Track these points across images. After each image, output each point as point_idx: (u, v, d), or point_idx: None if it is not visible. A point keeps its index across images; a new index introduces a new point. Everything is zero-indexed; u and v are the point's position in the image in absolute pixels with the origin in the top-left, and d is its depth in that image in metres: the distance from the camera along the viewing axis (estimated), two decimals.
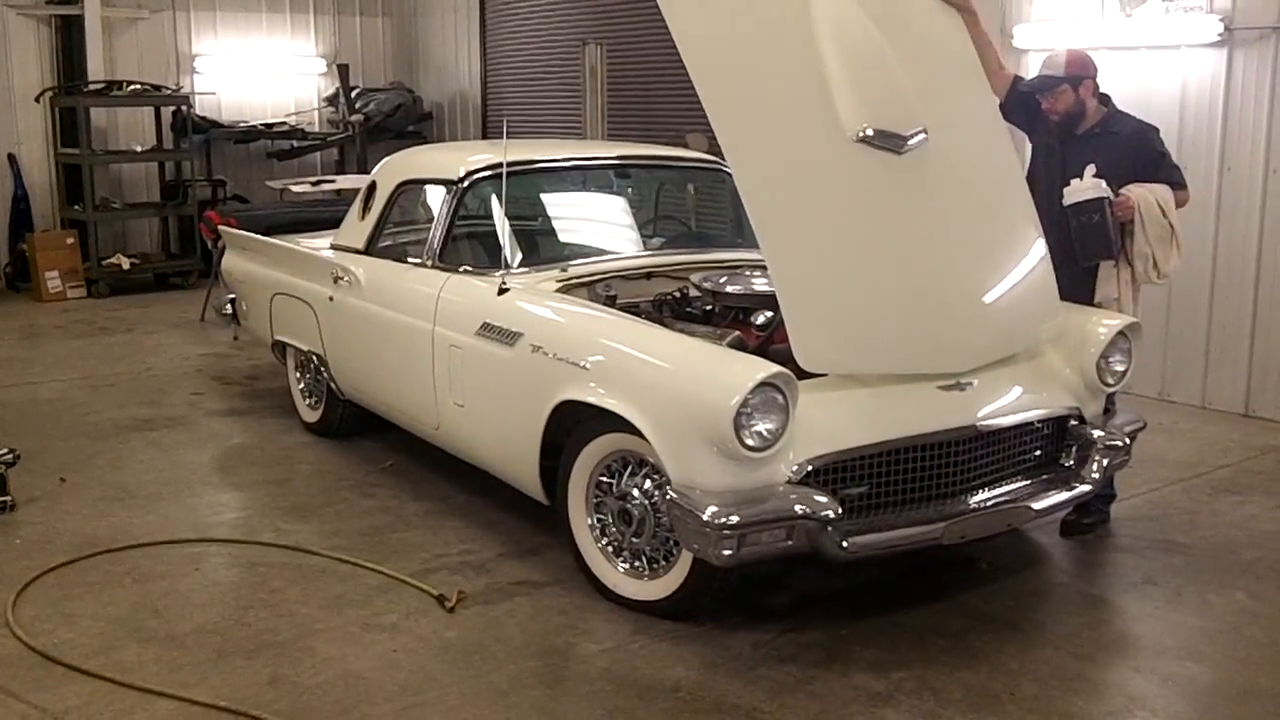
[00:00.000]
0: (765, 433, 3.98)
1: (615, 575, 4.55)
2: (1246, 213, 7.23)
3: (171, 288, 12.00)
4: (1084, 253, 5.27)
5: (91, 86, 11.85)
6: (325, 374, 6.51)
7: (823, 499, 4.02)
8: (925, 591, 4.73)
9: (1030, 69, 8.08)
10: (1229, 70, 7.18)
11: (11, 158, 12.00)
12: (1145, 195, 5.23)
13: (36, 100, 11.94)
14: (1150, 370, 7.46)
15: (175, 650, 4.24)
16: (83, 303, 11.30)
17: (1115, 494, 5.43)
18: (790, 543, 4.03)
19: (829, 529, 4.02)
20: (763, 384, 3.94)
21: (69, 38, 12.22)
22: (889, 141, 4.61)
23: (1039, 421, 4.75)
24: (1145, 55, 7.52)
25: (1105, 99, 5.53)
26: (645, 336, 4.51)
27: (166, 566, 4.98)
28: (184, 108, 12.18)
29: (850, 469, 4.24)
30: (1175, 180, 5.40)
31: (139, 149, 12.20)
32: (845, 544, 4.07)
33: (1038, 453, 4.82)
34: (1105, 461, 4.81)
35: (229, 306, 7.68)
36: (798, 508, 3.98)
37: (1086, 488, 4.76)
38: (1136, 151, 5.36)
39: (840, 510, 4.04)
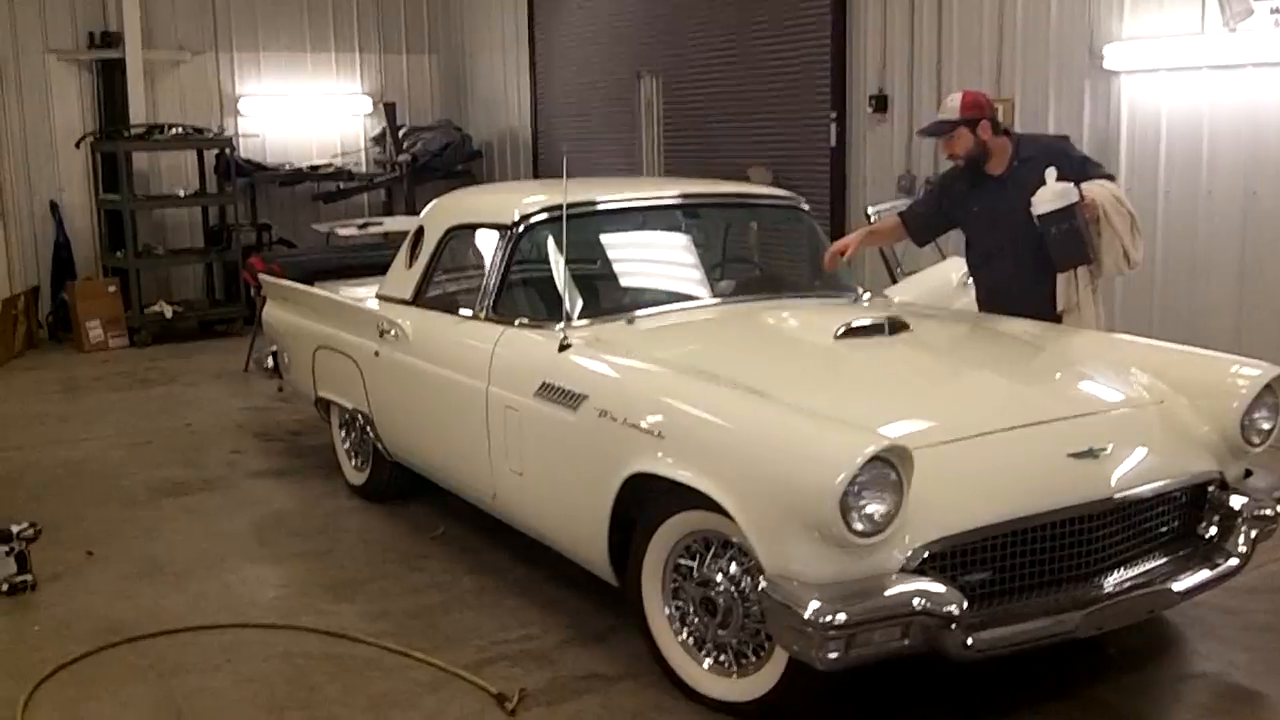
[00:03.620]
0: (877, 516, 3.42)
1: (697, 672, 4.00)
2: None
3: (216, 335, 11.64)
4: (1062, 261, 5.30)
5: (133, 131, 11.54)
6: (371, 434, 6.02)
7: (945, 591, 3.45)
8: (1048, 682, 4.14)
9: (1122, 91, 7.54)
10: None
11: (53, 205, 11.72)
12: (1100, 190, 5.26)
13: (76, 146, 11.64)
14: None
15: None
16: (125, 352, 10.96)
17: None
18: (906, 642, 3.46)
19: (953, 626, 3.45)
20: (873, 459, 3.38)
21: (110, 82, 11.95)
22: (869, 330, 4.64)
23: (1177, 490, 4.15)
24: (1250, 73, 6.90)
25: (1006, 131, 5.56)
26: (729, 399, 3.96)
27: (194, 658, 4.48)
28: (227, 150, 11.87)
29: (971, 552, 3.67)
30: (1106, 175, 5.43)
31: (182, 193, 11.91)
32: (970, 642, 3.49)
33: (1175, 524, 4.22)
34: (1253, 533, 4.20)
35: (270, 360, 7.25)
36: (916, 602, 3.40)
37: (1233, 563, 4.15)
38: (1059, 167, 5.24)
39: (965, 604, 3.47)
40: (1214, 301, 7.26)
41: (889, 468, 3.41)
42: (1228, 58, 6.96)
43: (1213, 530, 4.25)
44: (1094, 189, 5.24)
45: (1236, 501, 4.24)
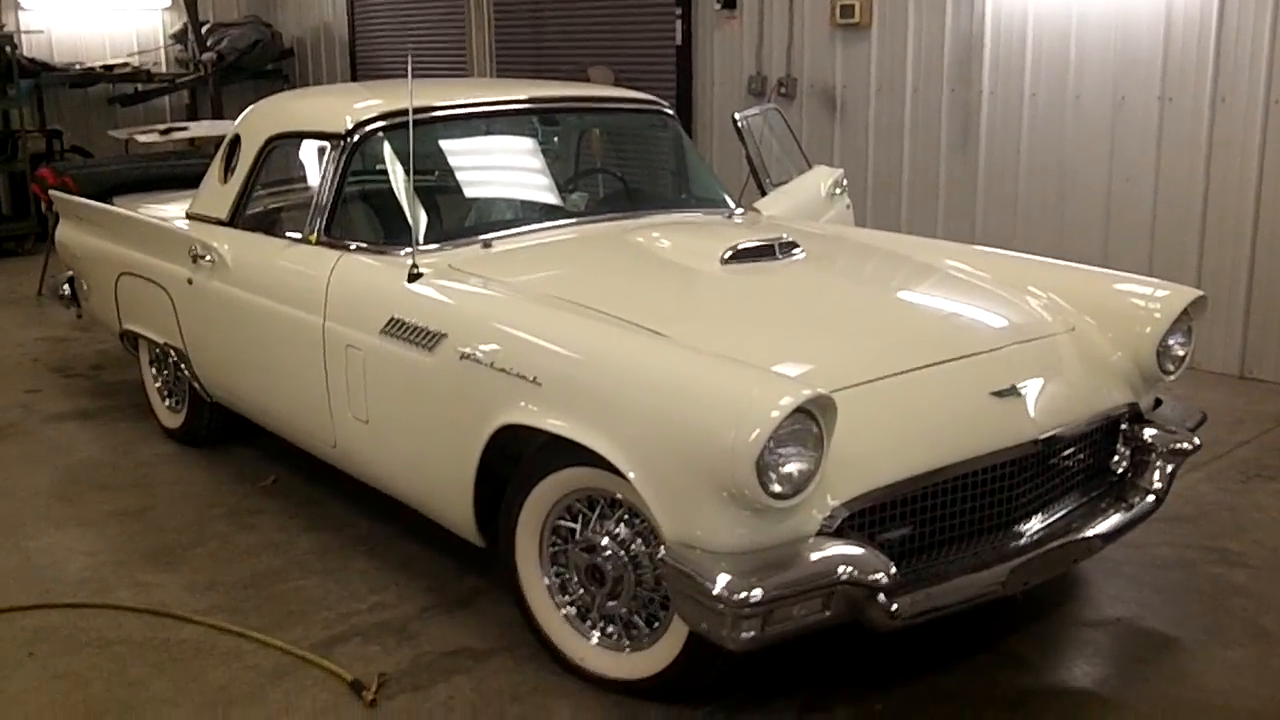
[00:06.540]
0: (797, 475, 2.98)
1: (583, 647, 3.53)
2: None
3: (5, 255, 10.55)
4: None
5: None
6: (187, 372, 5.34)
7: (872, 556, 3.05)
8: (960, 638, 3.81)
9: None
10: None
11: None
12: None
13: None
14: None
15: None
16: None
17: None
18: (827, 614, 3.05)
19: (879, 595, 3.05)
20: (794, 411, 2.92)
21: None
22: (759, 253, 4.15)
23: (1097, 424, 3.83)
24: None
25: None
26: (620, 339, 3.44)
27: None
28: (8, 49, 10.63)
29: (890, 506, 3.27)
30: None
31: None
32: (895, 608, 3.10)
33: (1089, 461, 3.91)
34: (1169, 468, 3.92)
35: (67, 287, 6.43)
36: (842, 570, 2.99)
37: (1150, 500, 3.86)
38: None
39: (895, 570, 3.07)
40: (1081, 212, 7.04)
41: (810, 420, 2.96)
42: None
43: (1125, 466, 3.97)
44: None
45: (1150, 434, 3.96)
